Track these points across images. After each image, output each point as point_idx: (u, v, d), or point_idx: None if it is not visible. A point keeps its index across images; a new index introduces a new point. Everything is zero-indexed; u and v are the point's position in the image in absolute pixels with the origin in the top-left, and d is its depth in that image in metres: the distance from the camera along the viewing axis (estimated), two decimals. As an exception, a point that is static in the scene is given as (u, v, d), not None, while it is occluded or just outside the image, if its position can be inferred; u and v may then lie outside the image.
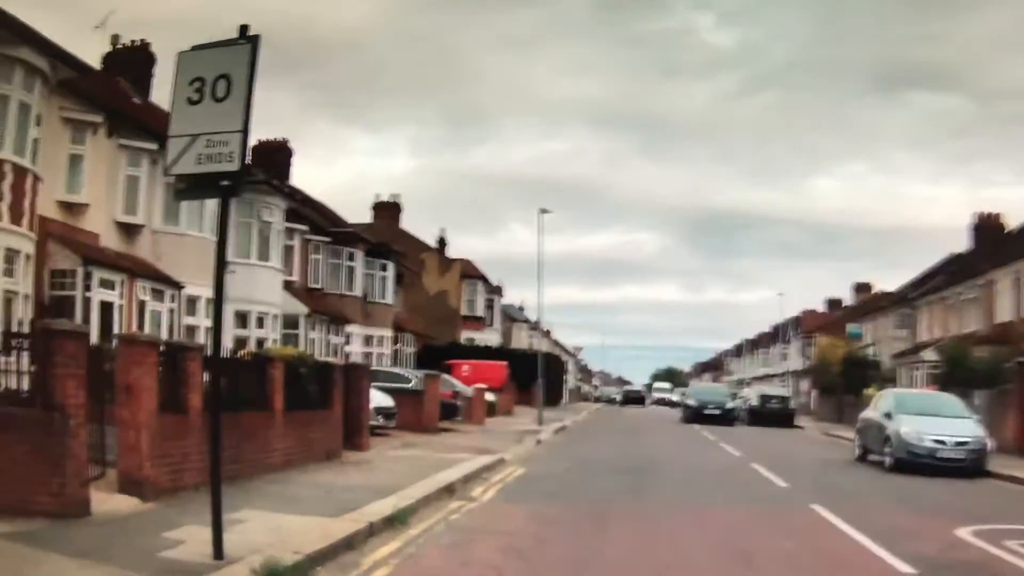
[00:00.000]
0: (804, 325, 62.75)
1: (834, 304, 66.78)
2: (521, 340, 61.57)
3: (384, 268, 32.62)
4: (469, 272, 48.04)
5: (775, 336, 70.19)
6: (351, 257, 29.74)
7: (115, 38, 21.84)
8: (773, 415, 34.73)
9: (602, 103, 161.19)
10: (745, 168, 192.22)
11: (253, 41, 5.62)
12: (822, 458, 18.77)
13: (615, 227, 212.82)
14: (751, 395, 37.72)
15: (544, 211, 31.60)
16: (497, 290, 53.89)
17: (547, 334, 67.13)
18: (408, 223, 50.26)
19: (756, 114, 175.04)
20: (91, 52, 21.96)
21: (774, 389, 41.75)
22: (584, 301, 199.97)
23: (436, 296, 46.17)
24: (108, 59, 21.38)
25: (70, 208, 15.91)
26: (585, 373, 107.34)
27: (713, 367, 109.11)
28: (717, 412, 33.66)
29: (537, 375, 31.33)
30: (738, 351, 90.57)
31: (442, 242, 49.43)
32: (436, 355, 38.06)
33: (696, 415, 33.87)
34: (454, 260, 47.97)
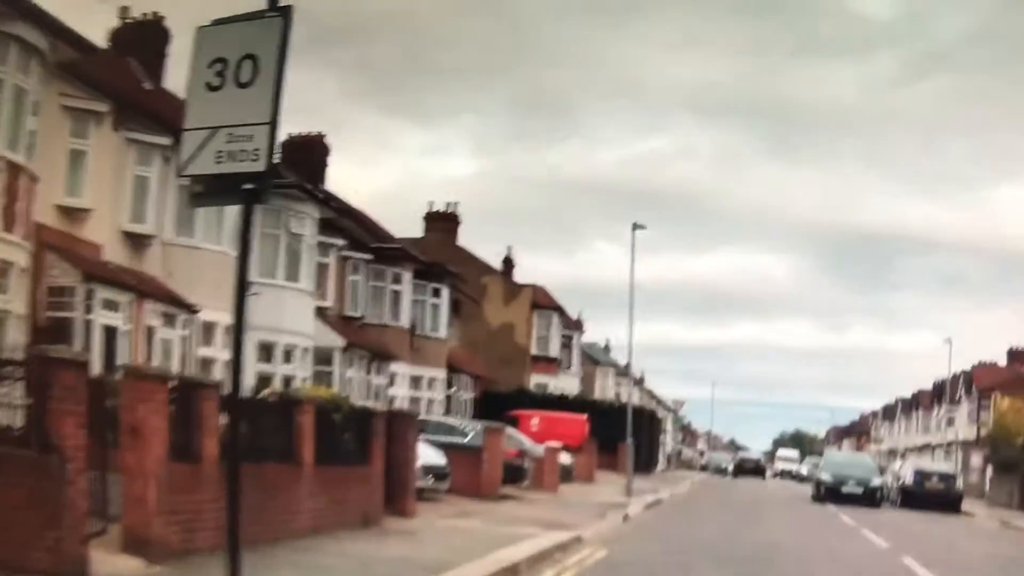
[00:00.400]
0: (978, 382, 59.56)
1: (1019, 356, 63.73)
2: (606, 389, 61.30)
3: (437, 294, 33.02)
4: (542, 301, 48.16)
5: (939, 395, 67.18)
6: (397, 279, 30.18)
7: (123, 11, 22.78)
8: (933, 497, 33.19)
9: (717, 88, 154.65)
10: (904, 174, 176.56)
11: (285, 13, 5.72)
12: (995, 554, 17.96)
13: (730, 248, 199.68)
14: (905, 470, 36.16)
15: (638, 226, 31.55)
16: (576, 325, 53.83)
17: (639, 382, 66.71)
18: (467, 238, 51.01)
19: (920, 104, 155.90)
20: (95, 28, 22.95)
21: (935, 464, 40.13)
22: (688, 342, 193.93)
23: (500, 330, 46.42)
24: (115, 36, 22.30)
25: (70, 214, 16.58)
26: (688, 434, 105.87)
27: (855, 432, 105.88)
28: (859, 491, 32.42)
29: (626, 434, 31.02)
30: (889, 413, 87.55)
31: (509, 263, 49.80)
32: (499, 403, 38.19)
33: (831, 493, 32.73)
34: (523, 286, 48.19)
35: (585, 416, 38.04)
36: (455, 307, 37.50)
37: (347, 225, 27.97)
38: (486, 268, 46.97)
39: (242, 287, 6.07)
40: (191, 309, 18.51)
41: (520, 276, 49.89)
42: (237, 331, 6.09)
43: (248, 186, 5.80)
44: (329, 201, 25.86)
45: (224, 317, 18.51)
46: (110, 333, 16.38)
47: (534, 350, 47.63)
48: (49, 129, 15.61)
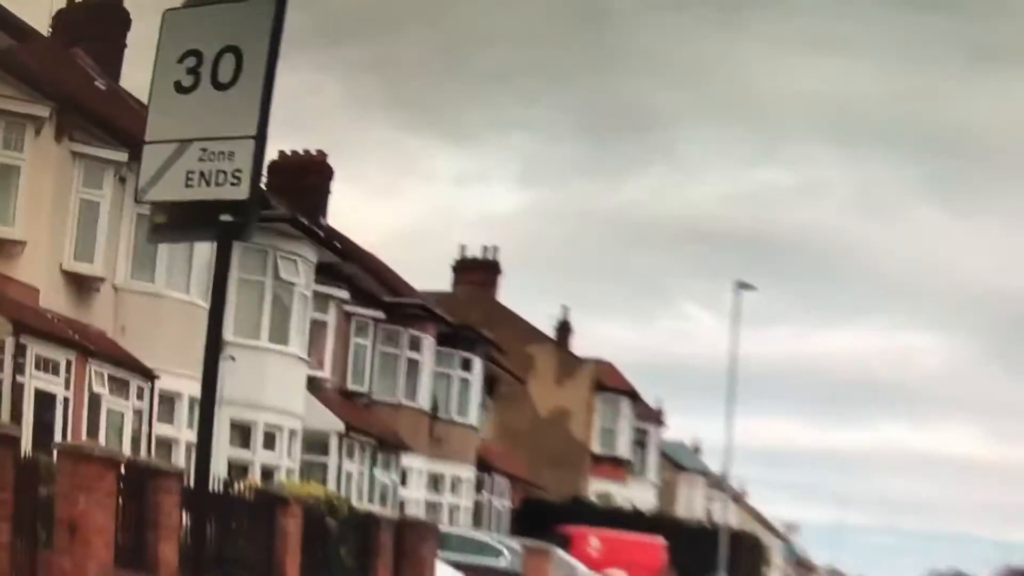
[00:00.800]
0: None
1: None
2: (693, 504, 60.37)
3: (467, 366, 33.10)
4: (608, 382, 47.88)
5: None
6: (415, 345, 30.34)
7: (71, -12, 23.44)
8: None
9: (859, 107, 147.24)
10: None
11: None
12: None
13: (870, 322, 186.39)
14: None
15: (745, 286, 31.33)
16: (655, 416, 53.34)
17: (739, 498, 65.54)
18: (511, 294, 50.94)
19: None
20: (35, 8, 23.24)
21: None
22: (808, 447, 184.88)
23: (551, 418, 46.22)
24: (60, 20, 22.87)
25: (-2, 247, 17.00)
26: (803, 569, 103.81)
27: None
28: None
29: (718, 565, 30.57)
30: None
31: (565, 329, 49.61)
32: (545, 516, 37.85)
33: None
34: (584, 360, 47.96)
35: (663, 540, 37.58)
36: (491, 385, 37.52)
37: (353, 272, 28.21)
38: (534, 334, 46.92)
39: (214, 349, 6.12)
40: (148, 374, 18.71)
41: (580, 347, 49.58)
42: (206, 405, 6.12)
43: (226, 217, 5.85)
44: (330, 240, 26.15)
45: (190, 387, 18.64)
46: (45, 401, 16.62)
47: (596, 447, 47.23)
48: (-26, 138, 16.15)
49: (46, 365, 16.69)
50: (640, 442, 50.99)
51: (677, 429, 66.60)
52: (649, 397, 52.68)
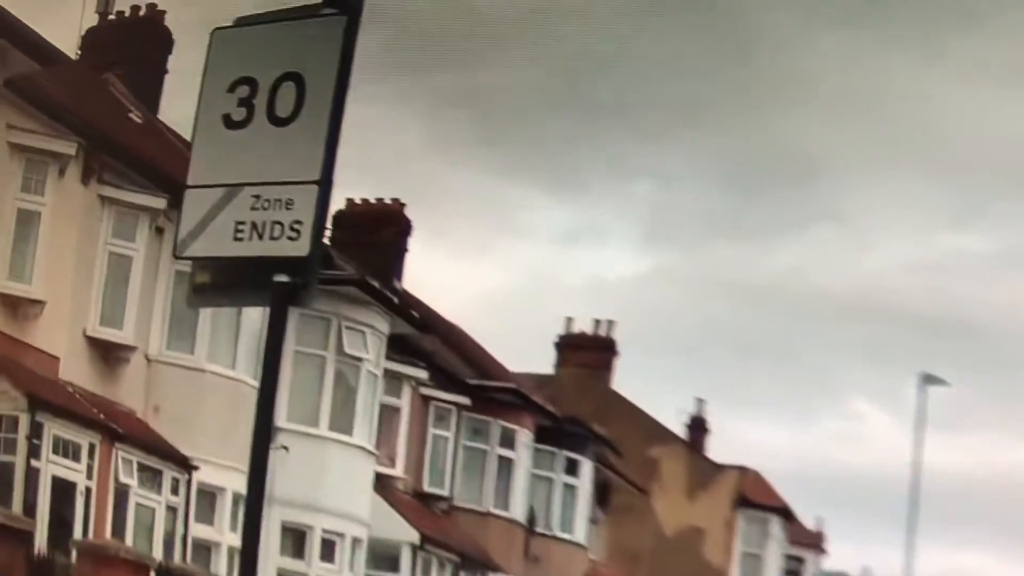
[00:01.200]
0: None
1: None
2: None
3: (573, 469, 32.74)
4: (753, 495, 46.90)
5: None
6: (508, 441, 30.09)
7: (105, 3, 23.82)
8: None
9: None
10: None
11: (351, 9, 5.85)
12: None
13: None
14: None
15: (931, 380, 30.75)
16: (812, 540, 51.88)
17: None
18: (629, 381, 50.02)
19: None
20: (63, 26, 23.60)
21: None
22: None
23: (679, 537, 45.45)
24: (91, 40, 23.36)
25: (13, 306, 17.48)
26: None
27: None
28: None
29: None
30: None
31: (699, 427, 48.50)
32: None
33: None
34: (722, 467, 47.02)
35: None
36: (603, 494, 37.12)
37: (433, 347, 28.30)
38: (660, 433, 46.21)
39: (264, 436, 6.08)
40: (185, 464, 18.93)
41: (718, 451, 48.47)
42: (252, 504, 6.11)
43: (281, 278, 5.86)
44: (406, 308, 26.21)
45: (234, 481, 18.90)
46: (64, 490, 16.88)
47: (737, 575, 46.54)
48: (-11, 177, 16.59)
49: (66, 448, 17.01)
50: (794, 572, 49.96)
51: (841, 557, 64.76)
52: (806, 516, 51.43)
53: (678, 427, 47.81)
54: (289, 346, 21.64)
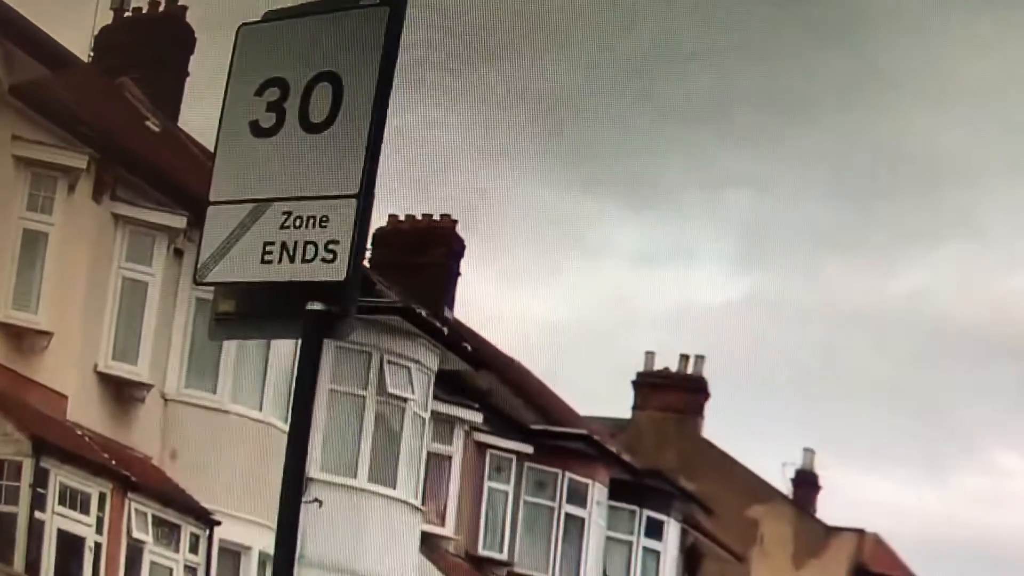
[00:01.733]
0: None
1: None
2: None
3: (656, 531, 32.45)
4: (874, 563, 46.13)
5: None
6: (578, 496, 29.88)
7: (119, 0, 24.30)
8: None
9: None
10: None
11: (395, 1, 5.89)
12: None
13: None
14: None
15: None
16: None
17: None
18: (721, 427, 49.54)
19: None
20: (75, 27, 23.84)
21: None
22: None
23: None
24: (105, 40, 23.72)
25: (18, 337, 17.68)
26: None
27: None
28: None
29: None
30: None
31: (806, 482, 47.97)
32: None
33: None
34: (835, 530, 46.56)
35: None
36: (692, 560, 36.89)
37: (489, 386, 28.29)
38: (760, 489, 45.72)
39: (295, 488, 6.09)
40: (205, 518, 19.03)
41: (830, 511, 47.97)
42: (281, 565, 6.12)
43: (315, 306, 5.90)
44: (458, 340, 26.21)
45: (260, 537, 18.93)
46: (71, 545, 17.06)
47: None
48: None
49: (73, 499, 17.17)
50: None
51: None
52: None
53: (782, 482, 46.76)
54: (323, 384, 21.70)
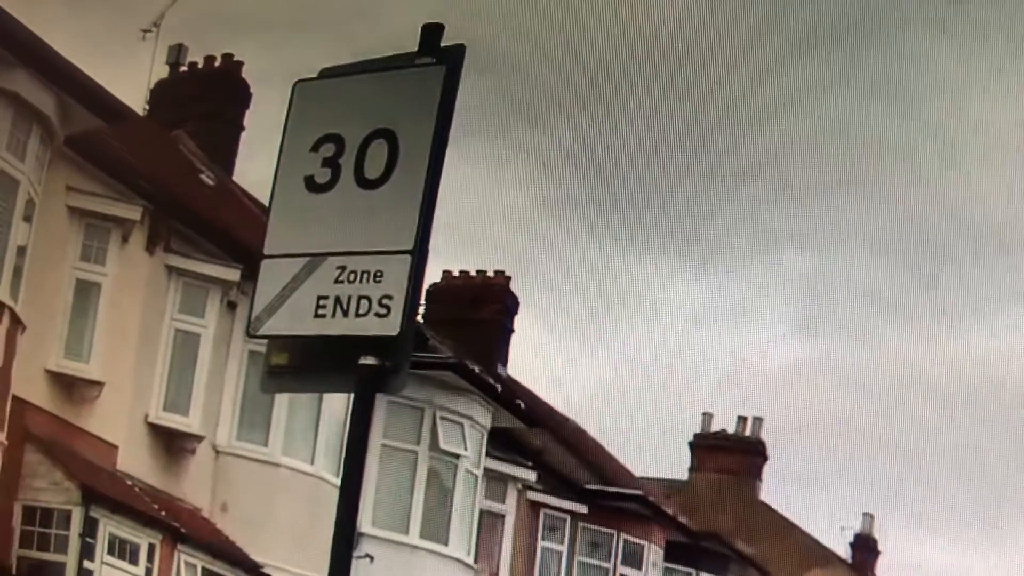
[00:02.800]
0: None
1: None
2: None
3: (711, 596, 32.29)
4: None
5: None
6: (633, 558, 29.64)
7: (176, 53, 24.68)
8: None
9: None
10: None
11: (451, 59, 5.98)
12: None
13: None
14: None
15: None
16: None
17: None
18: (779, 490, 48.98)
19: None
20: (130, 79, 24.38)
21: None
22: None
23: None
24: (161, 94, 24.19)
25: (69, 387, 17.78)
26: None
27: None
28: None
29: None
30: None
31: (867, 547, 47.37)
32: None
33: None
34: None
35: None
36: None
37: (543, 445, 28.22)
38: (819, 553, 45.25)
39: (345, 543, 6.09)
40: (256, 571, 19.07)
41: (889, 575, 47.87)
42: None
43: (368, 361, 5.95)
44: (512, 397, 26.17)
45: (308, 594, 18.93)
46: (119, 595, 17.11)
47: None
48: (46, 244, 17.03)
49: (122, 549, 17.25)
50: None
51: None
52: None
53: (841, 547, 46.63)
54: (375, 439, 21.74)
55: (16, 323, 16.13)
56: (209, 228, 19.62)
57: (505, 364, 30.27)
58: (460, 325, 28.17)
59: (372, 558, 20.46)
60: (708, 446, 44.50)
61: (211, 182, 22.21)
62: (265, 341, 6.34)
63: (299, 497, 19.57)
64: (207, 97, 23.92)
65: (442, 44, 6.05)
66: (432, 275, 26.92)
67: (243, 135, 24.39)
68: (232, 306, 19.29)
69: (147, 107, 23.75)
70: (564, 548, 28.39)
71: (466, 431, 23.40)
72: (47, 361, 17.51)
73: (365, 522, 20.74)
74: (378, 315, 5.87)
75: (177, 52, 24.61)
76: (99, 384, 17.98)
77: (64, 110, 16.39)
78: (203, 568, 18.41)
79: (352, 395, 6.15)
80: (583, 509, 28.70)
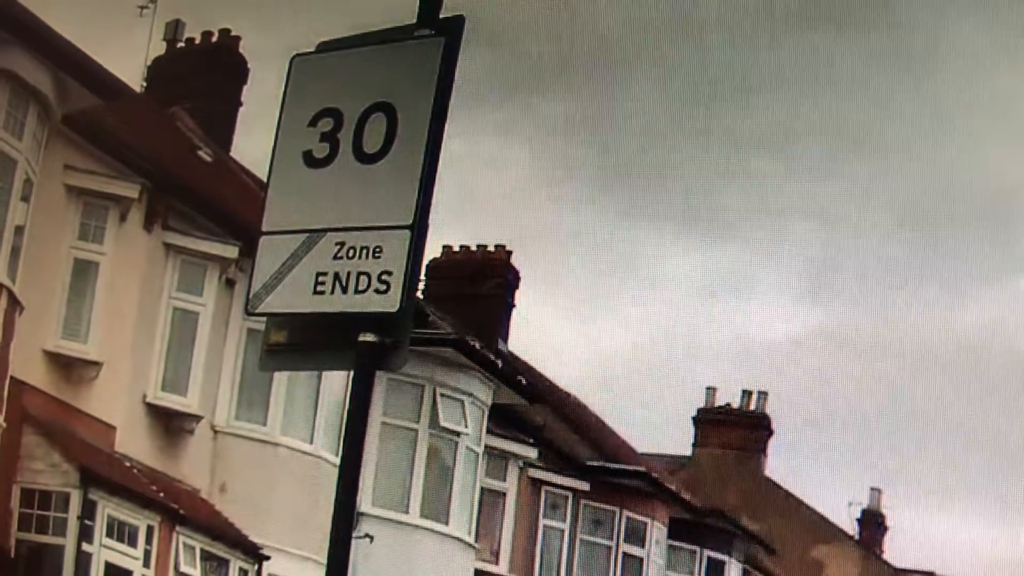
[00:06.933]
0: None
1: None
2: None
3: (716, 572, 32.00)
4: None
5: None
6: (636, 535, 29.64)
7: (174, 29, 24.69)
8: None
9: None
10: None
11: (451, 32, 5.96)
12: None
13: None
14: None
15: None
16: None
17: None
18: (785, 465, 48.72)
19: None
20: (127, 56, 24.39)
21: None
22: None
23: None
24: (158, 71, 24.18)
25: (67, 367, 17.79)
26: None
27: None
28: None
29: None
30: None
31: (874, 523, 47.21)
32: None
33: None
34: (903, 572, 45.81)
35: None
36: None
37: (544, 422, 28.19)
38: (825, 530, 45.13)
39: (345, 523, 6.08)
40: (254, 553, 19.08)
41: (899, 553, 47.25)
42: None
43: (368, 338, 5.95)
44: (513, 373, 26.21)
45: (310, 573, 18.81)
46: (118, 577, 17.10)
47: None
48: (44, 223, 17.05)
49: (120, 531, 17.26)
50: None
51: None
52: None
53: (848, 523, 46.43)
54: (375, 417, 21.72)
55: (14, 303, 16.13)
56: (207, 205, 19.61)
57: (506, 339, 30.22)
58: (460, 301, 28.15)
59: (372, 538, 20.45)
60: (712, 421, 44.31)
61: (209, 159, 22.19)
62: (264, 319, 6.32)
63: (298, 477, 19.58)
64: (204, 73, 23.90)
65: (441, 15, 6.04)
66: (432, 250, 26.84)
67: (241, 111, 24.42)
68: (231, 284, 19.28)
69: (144, 84, 23.74)
70: (566, 526, 28.36)
71: (467, 408, 23.39)
72: (45, 342, 17.51)
73: (365, 501, 20.75)
74: (377, 291, 5.87)
75: (174, 28, 24.62)
76: (97, 364, 17.98)
77: (61, 88, 16.39)
78: (202, 550, 18.42)
79: (351, 373, 6.14)
80: (585, 486, 28.69)
